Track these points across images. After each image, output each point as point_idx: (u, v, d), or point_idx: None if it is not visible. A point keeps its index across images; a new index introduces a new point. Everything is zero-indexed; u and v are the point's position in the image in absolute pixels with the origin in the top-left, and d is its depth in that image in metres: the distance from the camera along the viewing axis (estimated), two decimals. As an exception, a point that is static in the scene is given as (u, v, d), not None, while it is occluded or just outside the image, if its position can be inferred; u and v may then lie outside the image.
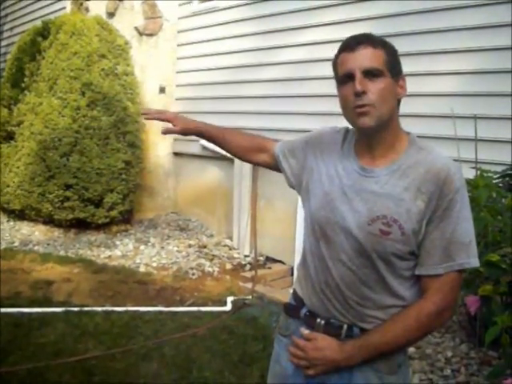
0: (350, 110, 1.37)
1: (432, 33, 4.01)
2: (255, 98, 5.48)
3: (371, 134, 1.40)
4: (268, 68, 5.40)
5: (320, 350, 1.41)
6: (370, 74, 1.34)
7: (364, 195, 1.38)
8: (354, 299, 1.40)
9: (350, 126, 1.48)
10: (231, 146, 1.72)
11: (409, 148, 1.41)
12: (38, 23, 6.50)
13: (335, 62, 1.43)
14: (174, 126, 1.67)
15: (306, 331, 1.46)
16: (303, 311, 1.50)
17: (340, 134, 1.53)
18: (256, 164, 1.77)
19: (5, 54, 10.45)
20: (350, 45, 1.38)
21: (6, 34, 10.48)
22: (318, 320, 1.45)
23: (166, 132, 1.69)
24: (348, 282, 1.40)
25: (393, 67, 1.38)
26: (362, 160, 1.43)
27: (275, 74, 5.31)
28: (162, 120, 1.69)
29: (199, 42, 6.25)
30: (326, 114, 4.60)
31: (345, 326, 1.41)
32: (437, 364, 3.21)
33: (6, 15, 10.39)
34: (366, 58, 1.35)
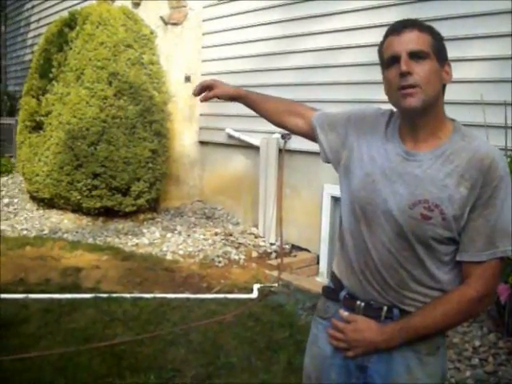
0: (395, 91, 1.36)
1: (461, 18, 3.92)
2: (280, 85, 5.45)
3: (416, 117, 1.38)
4: (293, 56, 5.37)
5: (360, 331, 1.43)
6: (416, 56, 1.33)
7: (406, 178, 1.38)
8: (394, 281, 1.40)
9: (395, 110, 1.47)
10: (267, 108, 1.72)
11: (453, 134, 1.39)
12: (65, 14, 6.56)
13: (381, 47, 1.43)
14: (210, 91, 1.69)
15: (345, 313, 1.47)
16: (342, 294, 1.51)
17: (384, 117, 1.51)
18: (289, 129, 1.72)
19: (32, 45, 10.59)
20: (396, 28, 1.38)
21: (33, 26, 10.61)
22: (358, 302, 1.45)
23: (203, 99, 1.70)
24: (387, 264, 1.40)
25: (439, 51, 1.37)
26: (406, 144, 1.42)
27: (300, 62, 5.28)
28: (204, 90, 1.70)
29: (224, 31, 6.24)
30: (350, 102, 4.57)
31: (384, 308, 1.42)
32: (464, 353, 3.18)
33: (33, 7, 10.51)
34: (412, 40, 1.34)
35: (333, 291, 1.55)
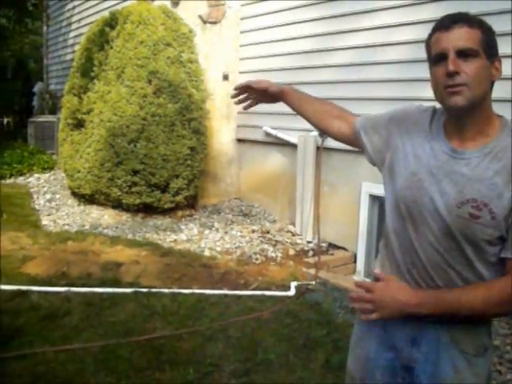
0: (441, 89, 1.34)
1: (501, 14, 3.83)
2: (318, 83, 5.42)
3: (462, 115, 1.36)
4: (331, 53, 5.33)
5: (391, 290, 1.39)
6: (464, 54, 1.31)
7: (453, 177, 1.35)
8: (442, 281, 1.38)
9: (437, 106, 1.45)
10: (309, 109, 1.72)
11: (501, 131, 1.36)
12: (106, 14, 6.67)
13: (428, 42, 1.40)
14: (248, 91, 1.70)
15: (376, 270, 1.44)
16: None
17: (427, 114, 1.49)
18: (331, 132, 1.71)
19: (73, 45, 10.81)
20: (444, 24, 1.35)
21: (74, 26, 10.82)
22: None
23: (246, 107, 1.72)
24: (435, 263, 1.38)
25: (489, 48, 1.34)
26: (452, 141, 1.40)
27: (339, 60, 5.24)
28: (242, 91, 1.72)
29: (262, 29, 6.24)
30: (389, 100, 4.51)
31: None
32: (506, 356, 3.12)
33: (74, 7, 10.72)
34: (460, 37, 1.31)
35: None
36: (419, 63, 4.50)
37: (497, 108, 1.41)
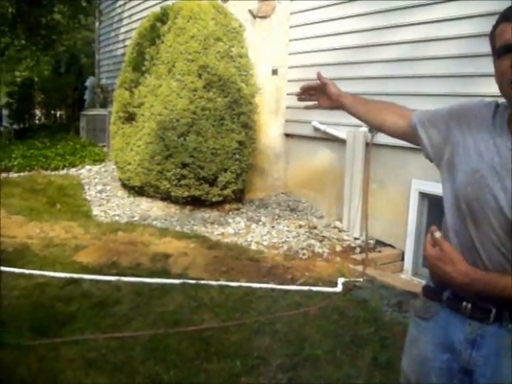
0: (506, 84, 1.29)
1: None
2: (368, 78, 5.35)
3: None
4: (382, 48, 5.24)
5: (443, 261, 1.35)
6: None
7: None
8: None
9: (500, 100, 1.39)
10: (363, 109, 1.70)
11: None
12: (157, 10, 6.76)
13: (493, 34, 1.35)
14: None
15: (437, 234, 1.37)
16: (446, 294, 1.44)
17: (489, 109, 1.43)
18: (387, 127, 1.68)
19: (124, 40, 11.02)
20: (509, 15, 1.30)
21: (125, 22, 11.02)
22: (464, 303, 1.38)
23: (308, 107, 1.72)
24: (497, 263, 1.33)
25: None
26: None
27: (389, 55, 5.15)
28: (307, 91, 1.73)
29: (311, 24, 6.19)
30: (440, 96, 4.42)
31: (494, 310, 1.34)
32: None
33: (125, 3, 10.91)
34: None
35: (434, 290, 1.48)
36: (473, 58, 4.41)
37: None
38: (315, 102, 1.77)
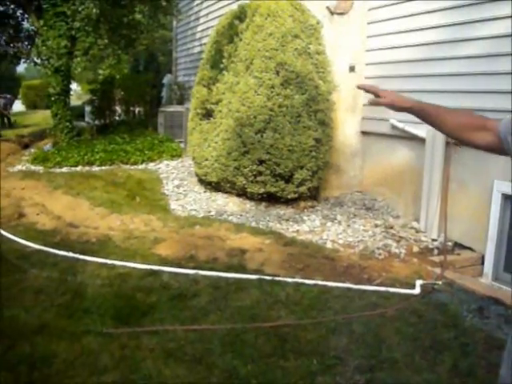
0: None
1: None
2: (450, 75, 5.18)
3: None
4: (464, 44, 5.06)
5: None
6: None
7: None
8: None
9: None
10: (447, 123, 1.63)
11: None
12: (235, 7, 6.83)
13: None
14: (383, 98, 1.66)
15: None
16: None
17: None
18: (476, 144, 1.61)
19: (200, 38, 11.21)
20: None
21: (202, 20, 11.21)
22: None
23: (373, 103, 1.69)
24: None
25: None
26: None
27: (473, 51, 4.96)
28: (372, 92, 1.70)
29: (390, 19, 6.06)
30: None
31: None
32: None
33: (202, 2, 11.08)
34: None
35: None
36: None
37: None
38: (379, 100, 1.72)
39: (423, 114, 1.66)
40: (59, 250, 4.65)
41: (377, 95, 1.68)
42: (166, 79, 13.60)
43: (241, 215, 5.73)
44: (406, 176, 5.84)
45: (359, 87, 1.77)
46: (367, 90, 1.74)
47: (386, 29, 6.13)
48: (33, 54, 12.14)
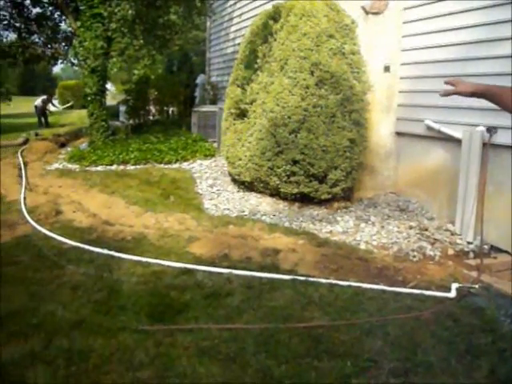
0: None
1: None
2: (487, 75, 5.08)
3: None
4: (501, 43, 4.96)
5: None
6: None
7: None
8: None
9: None
10: None
11: None
12: (269, 8, 6.83)
13: None
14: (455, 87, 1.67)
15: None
16: None
17: None
18: None
19: (233, 38, 11.26)
20: None
21: (235, 21, 11.26)
22: None
23: (444, 94, 1.69)
24: None
25: None
26: None
27: (509, 50, 4.85)
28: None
29: (426, 19, 5.98)
30: None
31: None
32: None
33: (235, 3, 11.13)
34: None
35: None
36: None
37: None
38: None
39: (488, 95, 1.67)
40: (95, 247, 4.73)
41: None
42: (200, 79, 13.70)
43: (274, 215, 5.73)
44: (441, 177, 5.76)
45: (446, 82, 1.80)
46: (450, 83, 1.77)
47: (422, 28, 6.06)
48: (70, 54, 12.42)
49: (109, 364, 2.91)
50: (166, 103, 12.76)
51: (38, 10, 12.53)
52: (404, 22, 6.42)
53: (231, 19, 11.63)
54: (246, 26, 9.24)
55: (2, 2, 12.15)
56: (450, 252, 4.91)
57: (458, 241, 5.15)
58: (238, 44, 9.60)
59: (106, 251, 4.61)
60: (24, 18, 12.40)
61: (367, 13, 6.45)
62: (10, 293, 3.82)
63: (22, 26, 12.53)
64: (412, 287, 4.04)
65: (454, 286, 4.08)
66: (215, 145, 9.67)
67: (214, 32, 13.46)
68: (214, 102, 12.10)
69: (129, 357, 2.98)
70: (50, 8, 12.57)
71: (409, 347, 3.15)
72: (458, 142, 5.37)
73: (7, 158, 9.99)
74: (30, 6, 12.42)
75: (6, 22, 12.39)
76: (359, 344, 3.16)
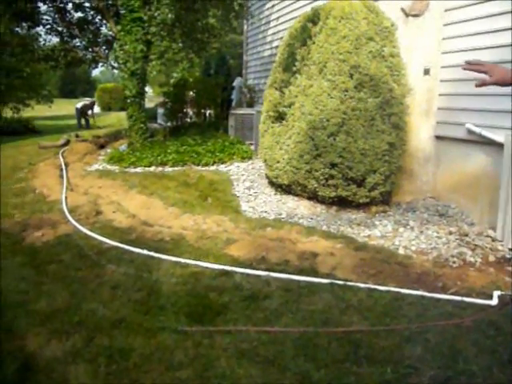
0: None
1: None
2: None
3: None
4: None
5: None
6: None
7: None
8: None
9: None
10: None
11: None
12: (308, 10, 6.83)
13: None
14: (490, 76, 1.64)
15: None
16: None
17: None
18: None
19: (271, 41, 11.29)
20: None
21: (272, 24, 11.29)
22: None
23: (480, 85, 1.67)
24: None
25: None
26: None
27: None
28: (481, 72, 1.67)
29: (468, 21, 5.88)
30: None
31: None
32: None
33: (273, 6, 11.16)
34: None
35: None
36: None
37: None
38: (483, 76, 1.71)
39: None
40: (135, 247, 4.81)
41: (481, 71, 1.69)
42: (236, 82, 13.77)
43: (311, 218, 5.72)
44: (482, 182, 5.66)
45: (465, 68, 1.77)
46: (471, 69, 1.74)
47: (463, 30, 5.96)
48: (110, 58, 12.67)
49: (149, 363, 2.96)
50: (204, 106, 12.88)
51: (79, 14, 12.82)
52: (445, 24, 6.32)
53: (268, 22, 11.67)
54: (284, 29, 9.26)
55: (45, 7, 12.47)
56: (491, 258, 4.81)
57: (499, 247, 5.04)
58: (276, 47, 9.62)
59: (145, 251, 4.68)
60: (66, 23, 12.70)
61: (407, 15, 6.39)
62: (53, 291, 3.92)
63: (64, 30, 12.83)
64: (452, 294, 3.97)
65: (496, 293, 3.99)
66: (252, 147, 9.71)
67: (251, 35, 13.52)
68: (250, 104, 12.16)
69: (168, 357, 3.02)
70: (92, 12, 12.84)
71: (450, 355, 3.10)
72: (499, 146, 5.26)
73: (49, 158, 10.26)
74: (72, 11, 12.72)
75: (48, 27, 12.71)
76: (399, 350, 3.13)
